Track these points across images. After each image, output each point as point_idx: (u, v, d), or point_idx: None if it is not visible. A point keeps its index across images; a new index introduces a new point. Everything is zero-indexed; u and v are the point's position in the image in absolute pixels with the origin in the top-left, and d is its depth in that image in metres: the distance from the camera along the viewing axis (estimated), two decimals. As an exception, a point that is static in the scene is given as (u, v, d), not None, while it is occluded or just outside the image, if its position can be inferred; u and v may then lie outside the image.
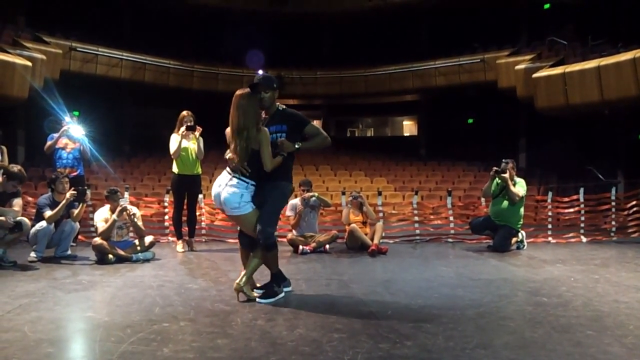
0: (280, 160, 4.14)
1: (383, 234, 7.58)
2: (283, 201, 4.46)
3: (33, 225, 6.11)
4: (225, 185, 4.10)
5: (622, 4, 16.27)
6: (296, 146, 4.20)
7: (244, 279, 4.13)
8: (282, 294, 4.26)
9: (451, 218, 8.93)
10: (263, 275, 4.49)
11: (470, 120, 21.24)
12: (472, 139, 20.00)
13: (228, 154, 4.18)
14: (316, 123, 25.15)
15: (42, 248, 6.09)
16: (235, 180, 4.08)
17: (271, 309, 3.84)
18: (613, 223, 9.05)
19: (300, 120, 4.34)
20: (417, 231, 8.72)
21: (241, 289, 4.11)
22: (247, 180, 4.08)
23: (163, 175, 15.93)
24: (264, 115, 4.33)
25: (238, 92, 4.18)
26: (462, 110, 20.80)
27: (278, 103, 4.40)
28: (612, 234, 8.85)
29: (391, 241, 8.27)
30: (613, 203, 9.17)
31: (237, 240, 8.37)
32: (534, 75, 15.09)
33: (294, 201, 7.51)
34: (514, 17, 18.67)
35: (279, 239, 8.30)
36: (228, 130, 4.20)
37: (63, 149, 7.46)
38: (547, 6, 17.56)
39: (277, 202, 4.26)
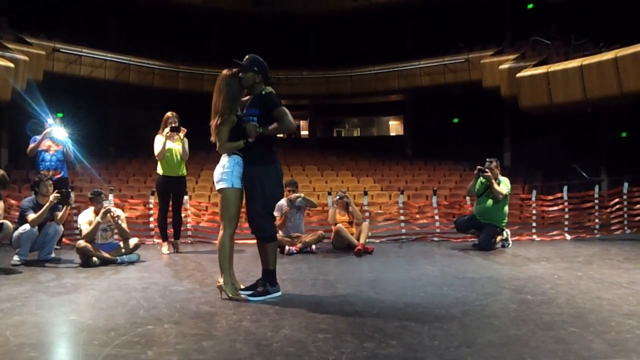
0: (241, 144, 4.15)
1: (369, 234, 7.60)
2: (275, 193, 4.34)
3: (16, 229, 6.04)
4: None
5: (604, 4, 16.45)
6: (259, 130, 4.11)
7: (224, 278, 4.18)
8: (277, 294, 4.23)
9: (437, 217, 8.98)
10: (249, 276, 4.48)
11: (456, 120, 21.36)
12: (457, 138, 20.13)
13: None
14: (303, 123, 25.32)
15: (25, 251, 6.03)
16: (222, 157, 4.25)
17: (256, 310, 3.83)
18: (596, 221, 9.14)
19: (270, 104, 4.23)
20: (403, 230, 8.75)
21: (223, 289, 4.17)
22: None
23: (148, 177, 15.83)
24: (245, 98, 4.37)
25: (223, 71, 4.32)
26: (447, 110, 20.92)
27: (266, 87, 4.34)
28: (596, 232, 8.94)
29: (377, 241, 8.30)
30: (596, 201, 9.26)
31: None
32: (518, 75, 15.20)
33: (281, 202, 7.50)
34: (498, 17, 18.82)
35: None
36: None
37: (46, 151, 7.39)
38: (530, 6, 17.72)
39: (257, 197, 4.17)
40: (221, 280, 4.19)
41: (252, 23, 20.90)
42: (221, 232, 4.23)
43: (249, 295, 4.15)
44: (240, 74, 4.27)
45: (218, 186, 4.21)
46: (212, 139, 4.29)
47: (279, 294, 4.26)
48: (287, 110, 4.21)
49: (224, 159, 4.23)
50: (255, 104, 4.29)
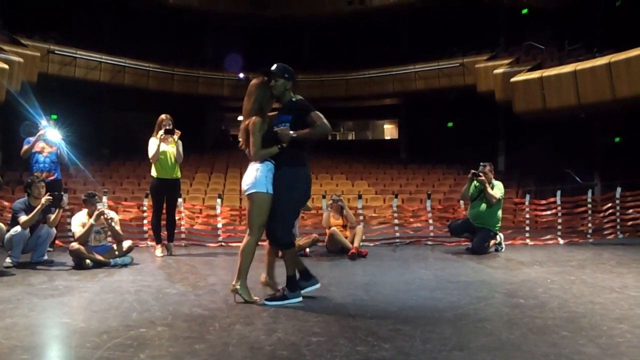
0: (276, 149, 4.13)
1: (363, 237, 7.61)
2: (300, 200, 4.34)
3: (8, 230, 6.02)
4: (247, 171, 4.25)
5: (597, 10, 16.55)
6: (293, 135, 4.09)
7: (240, 281, 4.15)
8: (298, 299, 4.16)
9: (430, 221, 9.00)
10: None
11: (450, 124, 21.42)
12: (451, 142, 20.19)
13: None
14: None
15: (17, 253, 5.99)
16: (252, 163, 4.24)
17: (250, 313, 3.83)
18: (589, 225, 9.19)
19: (303, 109, 4.25)
20: (397, 234, 8.77)
21: (236, 291, 4.16)
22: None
23: (143, 179, 15.80)
24: (272, 113, 4.38)
25: (252, 80, 4.31)
26: (442, 114, 20.99)
27: (295, 94, 4.38)
28: (589, 236, 8.98)
29: (371, 244, 8.30)
30: (589, 205, 9.31)
31: (217, 244, 8.41)
32: (512, 80, 15.27)
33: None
34: (493, 22, 18.89)
35: (260, 243, 8.31)
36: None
37: (40, 152, 7.36)
38: (525, 11, 17.79)
39: (283, 200, 4.14)
40: (237, 285, 4.14)
41: (247, 26, 20.93)
42: (248, 237, 4.19)
43: (265, 299, 4.14)
44: (271, 82, 4.27)
45: (250, 191, 4.14)
46: (241, 145, 4.31)
47: (299, 299, 4.16)
48: (321, 114, 4.23)
49: (256, 164, 4.18)
50: (287, 111, 4.29)
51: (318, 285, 4.28)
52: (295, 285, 4.19)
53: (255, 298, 4.14)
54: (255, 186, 4.11)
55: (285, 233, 4.17)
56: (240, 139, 4.34)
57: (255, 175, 4.13)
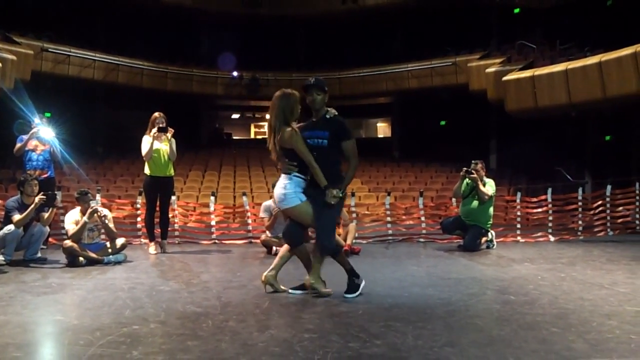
0: (324, 183, 4.17)
1: (356, 235, 7.64)
2: (339, 209, 4.49)
3: (1, 228, 6.01)
4: (277, 184, 4.33)
5: (588, 10, 16.65)
6: (341, 195, 4.23)
7: (313, 276, 4.28)
8: (363, 282, 4.41)
9: (423, 218, 9.05)
10: (236, 276, 4.49)
11: (443, 123, 21.48)
12: (444, 140, 20.25)
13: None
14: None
15: (10, 251, 5.99)
16: (283, 176, 4.29)
17: (243, 310, 3.85)
18: (580, 222, 9.26)
19: (342, 131, 4.34)
20: (390, 231, 8.80)
21: (312, 286, 4.27)
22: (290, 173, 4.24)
23: (136, 177, 15.77)
24: (313, 119, 4.44)
25: (276, 93, 4.35)
26: (434, 113, 21.04)
27: (328, 109, 4.44)
28: (579, 233, 9.06)
29: (364, 241, 8.34)
30: (580, 203, 9.38)
31: (210, 242, 8.42)
32: (504, 78, 15.33)
33: (268, 203, 7.52)
34: (485, 22, 18.96)
35: (253, 240, 8.35)
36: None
37: (33, 150, 7.36)
38: (517, 11, 17.86)
39: (333, 212, 4.32)
40: (312, 279, 4.28)
41: (241, 24, 20.91)
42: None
43: (345, 292, 4.30)
44: (314, 95, 4.36)
45: (285, 206, 4.26)
46: (273, 157, 4.37)
47: (364, 282, 4.43)
48: (354, 143, 4.36)
49: (285, 181, 4.25)
50: (322, 127, 4.34)
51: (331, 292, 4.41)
52: (356, 273, 4.42)
53: (330, 291, 4.33)
54: (290, 202, 4.24)
55: (331, 242, 4.35)
56: (272, 156, 4.37)
57: (283, 193, 4.23)
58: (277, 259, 4.52)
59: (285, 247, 4.52)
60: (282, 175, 4.31)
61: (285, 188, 4.23)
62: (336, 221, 4.68)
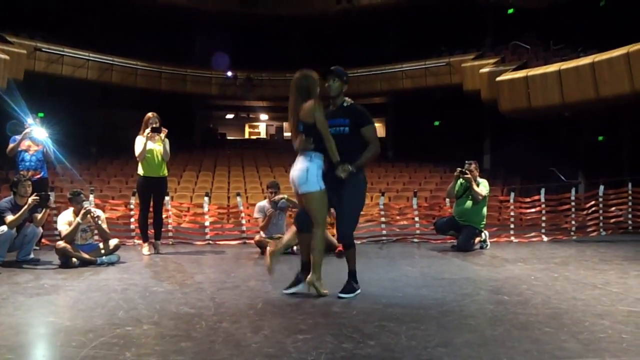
0: (337, 160, 4.17)
1: (350, 235, 7.62)
2: (363, 200, 4.55)
3: (-6, 229, 5.98)
4: (296, 166, 4.28)
5: (582, 11, 16.72)
6: (352, 170, 4.20)
7: (316, 275, 4.26)
8: (359, 290, 4.39)
9: (417, 219, 9.06)
10: (230, 277, 4.48)
11: (437, 123, 21.52)
12: (438, 141, 20.28)
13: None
14: (286, 125, 25.30)
15: (3, 252, 5.96)
16: (301, 157, 4.24)
17: (236, 311, 3.85)
18: (573, 222, 9.30)
19: (362, 117, 4.38)
20: (384, 232, 8.81)
21: (313, 284, 4.25)
22: (310, 152, 4.20)
23: (130, 178, 15.71)
24: (331, 108, 4.45)
25: (295, 74, 4.34)
26: (428, 113, 21.06)
27: (346, 98, 4.46)
28: (572, 233, 9.09)
29: (358, 242, 8.25)
30: (573, 203, 9.42)
31: (204, 243, 8.41)
32: (498, 79, 15.38)
33: (262, 203, 7.53)
34: (479, 22, 19.01)
35: (247, 241, 8.34)
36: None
37: (26, 151, 7.32)
38: (510, 11, 17.92)
39: (359, 203, 4.42)
40: (313, 277, 4.27)
41: (235, 24, 20.89)
42: (318, 231, 4.28)
43: (340, 292, 4.30)
44: (330, 81, 4.37)
45: (304, 189, 4.22)
46: (295, 142, 4.32)
47: (360, 290, 4.42)
48: (375, 129, 4.39)
49: (305, 162, 4.22)
50: (342, 114, 4.37)
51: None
52: (356, 277, 4.44)
53: (326, 291, 4.31)
54: (309, 187, 4.20)
55: (352, 233, 4.42)
56: (293, 140, 4.34)
57: (306, 176, 4.19)
58: (287, 236, 4.57)
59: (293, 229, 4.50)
60: (300, 158, 4.26)
61: (307, 171, 4.18)
62: (359, 214, 4.64)
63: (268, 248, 4.47)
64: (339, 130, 4.30)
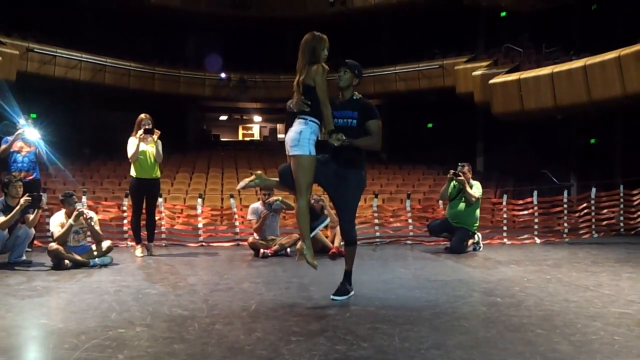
0: (332, 126, 4.16)
1: (344, 237, 7.62)
2: (361, 193, 4.52)
3: (-15, 231, 5.95)
4: (292, 128, 4.22)
5: (574, 14, 16.84)
6: (345, 142, 4.15)
7: (306, 243, 4.20)
8: (353, 292, 4.39)
9: (410, 221, 9.08)
10: (223, 278, 4.46)
11: (430, 125, 21.57)
12: (431, 143, 20.34)
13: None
14: (280, 126, 25.31)
15: (-6, 254, 5.94)
16: (297, 120, 4.19)
17: (229, 313, 3.84)
18: (565, 225, 9.34)
19: (370, 111, 4.38)
20: (377, 234, 8.83)
21: (302, 252, 4.20)
22: (307, 116, 4.15)
23: (123, 179, 15.64)
24: (340, 99, 4.44)
25: (306, 35, 4.31)
26: (421, 115, 21.12)
27: (355, 92, 4.46)
28: (565, 236, 9.12)
29: (352, 243, 8.32)
30: (565, 205, 9.46)
31: (197, 244, 8.38)
32: (491, 81, 15.42)
33: (256, 205, 7.52)
34: (472, 25, 19.08)
35: (241, 243, 8.33)
36: None
37: (18, 152, 7.29)
38: (503, 14, 18.00)
39: (357, 197, 4.39)
40: (303, 245, 4.21)
41: (229, 26, 20.85)
42: (299, 200, 4.20)
43: (334, 294, 4.29)
44: (341, 71, 4.39)
45: (294, 152, 4.14)
46: (293, 101, 4.23)
47: (353, 292, 4.41)
48: (380, 126, 4.36)
49: (300, 125, 4.16)
50: (351, 107, 4.37)
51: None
52: (350, 279, 4.43)
53: (315, 262, 4.23)
54: (299, 148, 4.11)
55: (354, 230, 4.42)
56: (294, 97, 4.24)
57: (298, 138, 4.12)
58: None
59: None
60: (297, 121, 4.21)
61: (300, 133, 4.12)
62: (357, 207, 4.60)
63: (297, 247, 4.34)
64: (347, 122, 4.31)
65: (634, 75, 11.95)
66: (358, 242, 8.25)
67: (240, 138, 28.30)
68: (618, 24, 15.94)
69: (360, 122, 4.33)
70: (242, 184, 4.47)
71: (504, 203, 9.46)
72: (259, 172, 4.54)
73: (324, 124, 4.20)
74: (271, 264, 6.38)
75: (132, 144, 6.86)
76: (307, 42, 4.26)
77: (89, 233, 6.32)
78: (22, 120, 7.42)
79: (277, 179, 4.38)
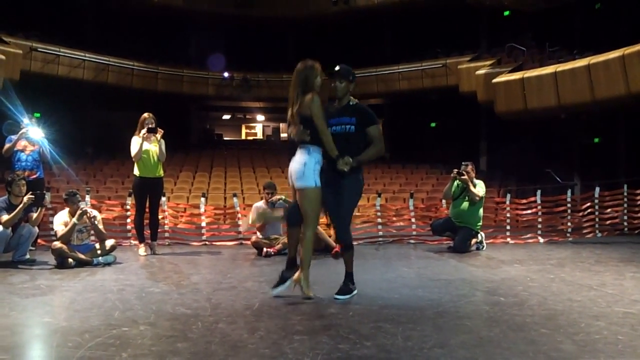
0: (336, 153, 4.14)
1: (347, 236, 7.62)
2: (358, 198, 4.53)
3: (-12, 230, 5.96)
4: (295, 159, 4.24)
5: (577, 13, 16.79)
6: (353, 164, 4.18)
7: (304, 274, 4.22)
8: (356, 291, 4.39)
9: (413, 220, 9.07)
10: (226, 277, 4.47)
11: (433, 124, 21.56)
12: (434, 142, 20.35)
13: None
14: (282, 126, 25.30)
15: (-1, 252, 5.95)
16: (300, 150, 4.21)
17: (232, 311, 3.84)
18: (569, 224, 9.31)
19: (367, 116, 4.38)
20: (380, 233, 8.81)
21: (300, 283, 4.21)
22: (309, 145, 4.17)
23: (126, 178, 15.70)
24: (336, 105, 4.44)
25: (298, 65, 4.29)
26: (424, 114, 21.12)
27: (352, 97, 4.46)
28: (568, 235, 9.10)
29: (355, 243, 8.26)
30: (569, 205, 9.43)
31: (200, 243, 8.39)
32: (494, 81, 15.42)
33: (259, 204, 7.52)
34: (475, 24, 19.07)
35: (244, 241, 8.33)
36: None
37: (22, 151, 7.30)
38: (506, 13, 17.98)
39: (353, 201, 4.40)
40: (301, 276, 4.22)
41: (232, 25, 20.89)
42: (307, 230, 4.23)
43: (336, 293, 4.28)
44: (336, 82, 4.36)
45: (299, 184, 4.17)
46: (292, 132, 4.26)
47: (356, 291, 4.42)
48: (380, 129, 4.39)
49: (304, 156, 4.18)
50: (348, 113, 4.36)
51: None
52: (353, 279, 4.44)
53: (311, 294, 4.24)
54: (305, 181, 4.15)
55: (349, 234, 4.43)
56: (291, 129, 4.27)
57: (303, 170, 4.15)
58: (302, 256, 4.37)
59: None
60: (299, 151, 4.22)
61: (305, 165, 4.14)
62: (353, 212, 4.64)
63: (294, 278, 4.29)
64: (345, 128, 4.30)
65: (638, 74, 11.93)
66: (361, 241, 8.41)
67: (243, 137, 28.35)
68: (622, 22, 15.90)
69: (358, 127, 4.32)
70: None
71: (507, 202, 9.45)
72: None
73: (326, 150, 4.21)
74: (274, 262, 6.37)
75: (136, 143, 6.86)
76: (299, 72, 4.25)
77: (92, 232, 6.33)
78: (25, 120, 7.44)
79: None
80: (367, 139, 4.35)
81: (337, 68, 4.42)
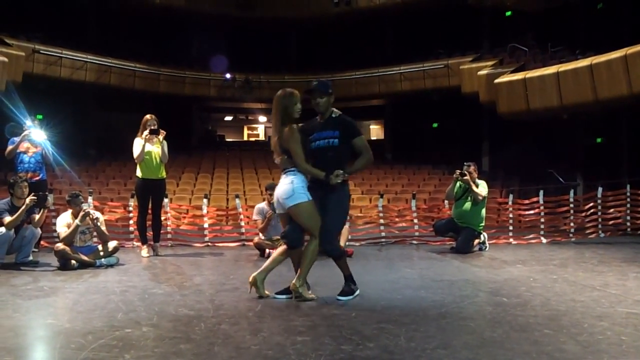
0: (322, 175, 4.15)
1: (349, 237, 7.64)
2: (346, 209, 4.58)
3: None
4: (280, 184, 4.29)
5: (579, 13, 16.77)
6: (345, 177, 4.19)
7: (299, 280, 4.23)
8: (358, 291, 4.41)
9: (416, 221, 9.07)
10: (229, 279, 4.48)
11: (435, 125, 21.55)
12: (436, 143, 20.33)
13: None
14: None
15: (1, 254, 5.95)
16: (284, 176, 4.27)
17: (235, 313, 3.84)
18: (572, 224, 9.31)
19: (352, 129, 4.39)
20: (383, 234, 8.82)
21: (297, 290, 4.22)
22: (293, 168, 4.22)
23: (129, 180, 15.71)
24: (319, 120, 4.45)
25: (278, 92, 4.34)
26: (427, 115, 21.10)
27: (334, 109, 4.46)
28: (571, 235, 9.10)
29: (357, 244, 8.34)
30: (572, 205, 9.43)
31: (203, 245, 8.40)
32: (496, 81, 15.40)
33: (261, 205, 7.52)
34: (477, 24, 19.05)
35: (246, 243, 8.34)
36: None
37: (25, 153, 7.32)
38: (508, 13, 17.97)
39: (341, 214, 4.41)
40: (297, 284, 4.23)
41: (234, 26, 20.91)
42: (314, 241, 4.26)
43: (339, 295, 4.31)
44: (317, 99, 4.37)
45: (292, 202, 4.18)
46: (276, 159, 4.35)
47: (359, 291, 4.44)
48: (365, 139, 4.40)
49: (290, 176, 4.23)
50: (331, 126, 4.36)
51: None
52: (353, 280, 4.44)
53: (312, 296, 4.29)
54: (296, 199, 4.17)
55: (334, 246, 4.39)
56: (275, 156, 4.36)
57: (292, 188, 4.18)
58: (268, 261, 4.47)
59: (279, 250, 4.49)
60: (283, 176, 4.28)
61: (292, 183, 4.18)
62: (342, 224, 4.67)
63: (249, 280, 4.36)
64: (329, 142, 4.31)
65: (641, 74, 11.90)
66: (363, 243, 8.39)
67: (245, 138, 28.34)
68: (624, 22, 15.88)
69: (342, 140, 4.32)
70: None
71: (510, 203, 9.44)
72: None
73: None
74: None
75: (138, 145, 6.87)
76: (279, 100, 4.29)
77: (95, 233, 6.34)
78: (28, 122, 7.46)
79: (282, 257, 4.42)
80: (354, 150, 4.37)
81: (314, 83, 4.41)
